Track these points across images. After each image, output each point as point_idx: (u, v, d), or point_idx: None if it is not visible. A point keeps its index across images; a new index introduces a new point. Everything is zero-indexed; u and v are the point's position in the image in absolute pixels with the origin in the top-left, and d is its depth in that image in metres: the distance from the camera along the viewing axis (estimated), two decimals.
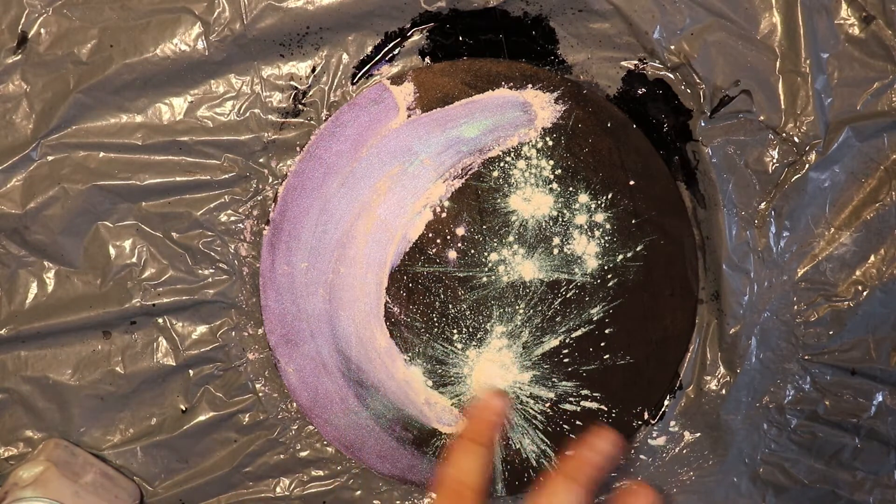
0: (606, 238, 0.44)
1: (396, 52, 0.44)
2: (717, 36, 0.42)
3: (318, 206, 0.44)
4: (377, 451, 0.46)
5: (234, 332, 0.45)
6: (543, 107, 0.44)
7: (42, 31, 0.42)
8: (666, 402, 0.46)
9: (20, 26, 0.42)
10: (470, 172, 0.44)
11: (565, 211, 0.44)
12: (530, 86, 0.44)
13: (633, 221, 0.44)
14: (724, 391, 0.45)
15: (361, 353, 0.45)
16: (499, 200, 0.44)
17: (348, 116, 0.44)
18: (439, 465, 0.44)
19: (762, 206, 0.43)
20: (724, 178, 0.43)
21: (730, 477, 0.46)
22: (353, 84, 0.44)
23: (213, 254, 0.44)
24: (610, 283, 0.45)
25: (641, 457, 0.46)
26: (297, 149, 0.44)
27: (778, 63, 0.42)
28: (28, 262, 0.44)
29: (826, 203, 0.43)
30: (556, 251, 0.44)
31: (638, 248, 0.44)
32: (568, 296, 0.45)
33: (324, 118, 0.44)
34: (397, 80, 0.44)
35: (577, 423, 0.45)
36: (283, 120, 0.44)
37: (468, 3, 0.42)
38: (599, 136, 0.44)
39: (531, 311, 0.45)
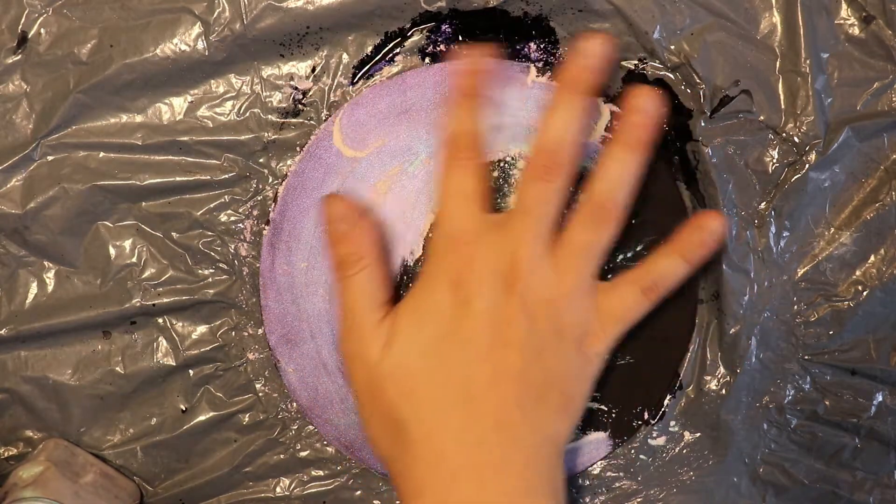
0: None
1: (396, 52, 0.44)
2: (717, 36, 0.42)
3: (318, 206, 0.44)
4: None
5: (234, 332, 0.45)
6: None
7: (42, 31, 0.42)
8: (666, 402, 0.46)
9: (20, 26, 0.42)
10: None
11: (565, 211, 0.44)
12: None
13: (633, 221, 0.44)
14: (724, 391, 0.45)
15: None
16: (499, 200, 0.44)
17: None
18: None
19: (762, 206, 0.43)
20: (724, 178, 0.43)
21: (730, 477, 0.46)
22: (353, 84, 0.44)
23: (213, 254, 0.45)
24: None
25: (641, 457, 0.46)
26: (297, 149, 0.44)
27: (778, 63, 0.42)
28: (28, 262, 0.44)
29: (826, 203, 0.43)
30: None
31: (638, 248, 0.44)
32: None
33: (324, 118, 0.44)
34: None
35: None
36: (283, 120, 0.44)
37: (468, 3, 0.42)
38: None
39: None
